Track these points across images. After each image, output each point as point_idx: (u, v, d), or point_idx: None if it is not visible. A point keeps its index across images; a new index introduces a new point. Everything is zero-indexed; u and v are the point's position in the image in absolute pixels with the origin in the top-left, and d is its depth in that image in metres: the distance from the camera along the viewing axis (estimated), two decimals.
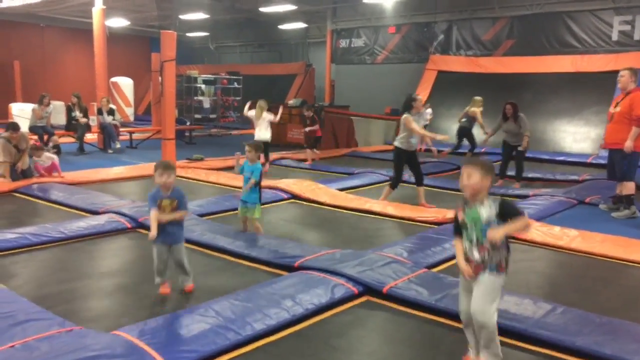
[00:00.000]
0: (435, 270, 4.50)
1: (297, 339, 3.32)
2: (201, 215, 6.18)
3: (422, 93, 15.25)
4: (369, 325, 3.57)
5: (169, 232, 3.88)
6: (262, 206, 6.97)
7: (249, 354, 3.11)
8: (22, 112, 15.10)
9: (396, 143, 7.13)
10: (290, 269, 4.44)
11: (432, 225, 6.02)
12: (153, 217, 3.80)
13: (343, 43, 18.03)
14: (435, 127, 12.80)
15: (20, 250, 4.90)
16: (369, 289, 3.99)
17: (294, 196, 7.49)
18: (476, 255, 2.77)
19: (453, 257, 4.88)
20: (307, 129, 11.15)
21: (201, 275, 4.42)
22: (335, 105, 16.32)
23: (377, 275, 4.11)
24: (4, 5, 14.82)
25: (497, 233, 2.67)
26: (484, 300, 2.74)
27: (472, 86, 13.62)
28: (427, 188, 7.43)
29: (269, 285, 3.94)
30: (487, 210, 2.73)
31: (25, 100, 17.78)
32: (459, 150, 11.57)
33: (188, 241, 4.84)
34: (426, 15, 15.95)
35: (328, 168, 10.30)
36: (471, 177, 2.75)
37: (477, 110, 10.98)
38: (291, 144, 13.84)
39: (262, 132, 10.01)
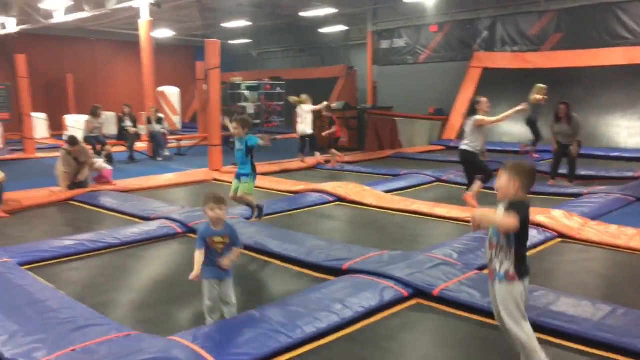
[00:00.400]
0: (487, 271, 4.40)
1: (348, 342, 3.32)
2: (248, 219, 6.26)
3: (467, 91, 14.98)
4: (420, 329, 3.53)
5: (223, 269, 3.55)
6: (308, 209, 7.07)
7: (301, 356, 3.13)
8: (76, 124, 15.68)
9: (465, 147, 6.77)
10: (338, 272, 4.44)
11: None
12: (197, 259, 3.53)
13: (384, 44, 17.93)
14: None
15: (78, 256, 5.08)
16: (418, 292, 3.95)
17: (340, 199, 7.49)
18: (487, 253, 2.76)
19: None
20: (325, 133, 11.08)
21: (250, 279, 4.48)
22: (378, 106, 16.25)
23: (426, 277, 4.06)
24: (56, 20, 15.45)
25: (478, 210, 2.70)
26: (505, 318, 2.69)
27: (519, 82, 13.29)
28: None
29: (318, 289, 3.95)
30: (502, 208, 2.68)
31: (79, 111, 18.49)
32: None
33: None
34: (469, 12, 15.68)
35: (373, 170, 10.25)
36: (500, 179, 2.70)
37: (538, 97, 10.65)
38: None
39: (302, 126, 10.58)
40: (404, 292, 3.91)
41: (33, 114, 13.56)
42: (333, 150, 10.85)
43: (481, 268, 4.45)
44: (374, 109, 15.05)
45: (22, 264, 4.65)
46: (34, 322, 3.36)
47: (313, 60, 22.99)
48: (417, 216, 6.61)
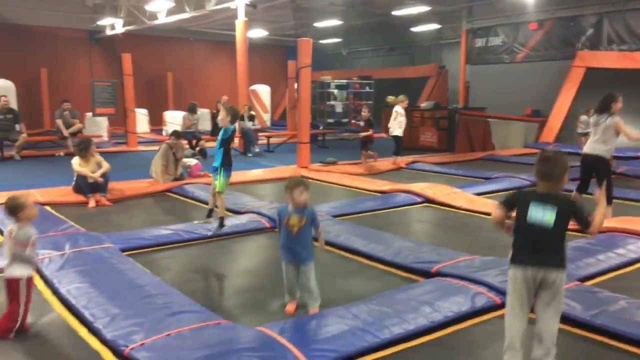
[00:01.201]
0: (588, 283, 4.12)
1: (437, 347, 3.21)
2: (335, 217, 6.26)
3: (568, 92, 14.17)
4: None
5: (296, 251, 3.62)
6: (395, 209, 6.97)
7: (388, 357, 3.07)
8: (174, 119, 16.50)
9: (602, 153, 6.02)
10: (426, 274, 4.33)
11: (585, 235, 5.51)
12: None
13: (479, 42, 17.34)
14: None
15: (173, 245, 5.30)
16: None
17: (428, 200, 7.32)
18: None
19: (609, 270, 4.45)
20: (362, 134, 10.62)
21: (336, 277, 4.47)
22: (470, 107, 15.75)
23: None
24: (159, 21, 16.33)
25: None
26: None
27: (626, 83, 12.32)
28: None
29: (405, 290, 3.87)
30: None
31: (176, 108, 19.44)
32: None
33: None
34: (572, 8, 14.80)
35: (463, 172, 9.94)
36: None
37: None
38: (424, 147, 13.60)
39: (392, 127, 10.38)
40: (497, 300, 3.73)
41: (136, 109, 14.41)
42: (367, 152, 10.52)
43: (583, 279, 4.16)
44: (465, 109, 14.61)
45: (123, 250, 4.92)
46: (133, 306, 3.53)
47: (403, 59, 22.72)
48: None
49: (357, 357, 3.00)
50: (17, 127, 11.69)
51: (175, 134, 8.82)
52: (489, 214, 6.53)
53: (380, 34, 22.61)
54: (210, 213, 5.94)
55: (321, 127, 16.24)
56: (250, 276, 4.58)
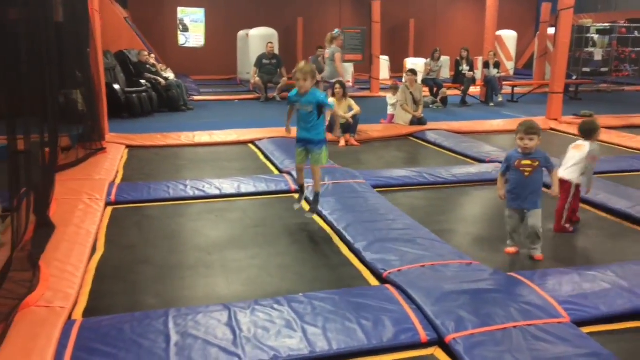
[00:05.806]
0: None
1: None
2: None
3: None
4: None
5: (527, 198, 3.63)
6: None
7: None
8: (415, 67, 16.63)
9: None
10: None
11: None
12: (500, 182, 3.83)
13: None
14: None
15: (418, 187, 5.48)
16: None
17: None
18: None
19: None
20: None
21: (590, 237, 4.16)
22: None
23: None
24: None
25: None
26: None
27: None
28: None
29: None
30: None
31: (417, 55, 19.50)
32: None
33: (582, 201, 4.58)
34: None
35: None
36: None
37: None
38: None
39: None
40: None
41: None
42: None
43: None
44: None
45: (373, 186, 5.28)
46: (389, 236, 3.81)
47: None
48: None
49: (623, 321, 2.81)
50: (279, 71, 13.09)
51: (411, 70, 9.03)
52: None
53: None
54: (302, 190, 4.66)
55: (574, 77, 14.73)
56: (494, 222, 4.51)
